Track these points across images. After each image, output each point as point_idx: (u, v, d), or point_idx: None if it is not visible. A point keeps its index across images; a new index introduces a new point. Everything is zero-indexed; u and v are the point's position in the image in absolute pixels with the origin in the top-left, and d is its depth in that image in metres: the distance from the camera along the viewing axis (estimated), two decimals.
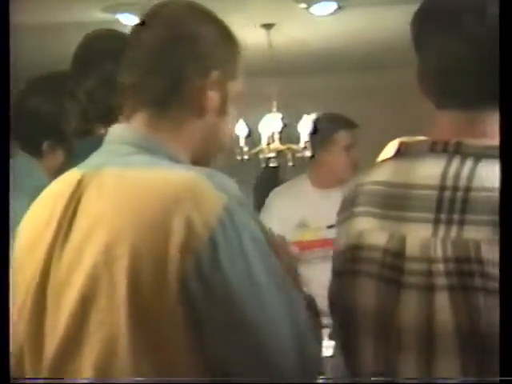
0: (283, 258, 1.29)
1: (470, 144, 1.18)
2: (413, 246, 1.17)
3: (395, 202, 1.21)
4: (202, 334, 1.16)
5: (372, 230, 1.23)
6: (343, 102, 4.28)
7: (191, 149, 1.32)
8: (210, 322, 1.16)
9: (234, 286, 1.15)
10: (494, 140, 1.19)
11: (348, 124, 3.46)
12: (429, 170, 1.19)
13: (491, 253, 1.10)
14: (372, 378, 1.17)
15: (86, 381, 1.20)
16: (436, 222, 1.16)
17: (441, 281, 1.14)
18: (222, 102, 1.33)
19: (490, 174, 1.15)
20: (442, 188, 1.17)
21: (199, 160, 1.34)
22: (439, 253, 1.14)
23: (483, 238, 1.11)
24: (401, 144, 1.27)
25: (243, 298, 1.16)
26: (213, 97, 1.31)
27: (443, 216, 1.15)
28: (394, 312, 1.18)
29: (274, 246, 1.29)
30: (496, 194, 1.12)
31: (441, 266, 1.14)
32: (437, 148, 1.20)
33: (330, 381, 1.45)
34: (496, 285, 1.09)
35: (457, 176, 1.16)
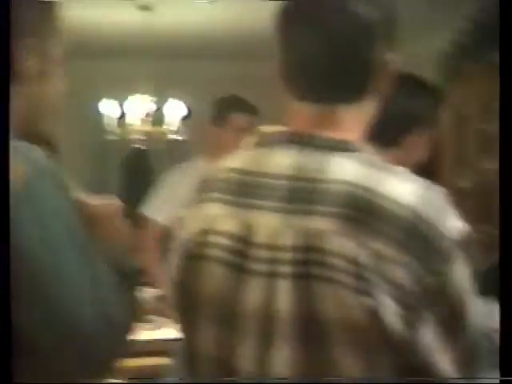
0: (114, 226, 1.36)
1: (323, 137, 1.21)
2: (260, 234, 1.19)
3: (247, 190, 1.23)
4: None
5: (222, 216, 1.24)
6: (217, 89, 4.31)
7: (22, 119, 1.32)
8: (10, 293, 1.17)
9: (28, 252, 1.17)
10: (348, 134, 1.23)
11: (246, 108, 3.53)
12: (281, 160, 1.22)
13: (335, 244, 1.13)
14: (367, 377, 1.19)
15: (86, 381, 1.21)
16: (285, 211, 1.18)
17: (285, 269, 1.16)
18: (42, 66, 1.33)
19: (340, 167, 1.18)
20: (293, 178, 1.19)
21: (33, 129, 1.34)
22: (285, 241, 1.17)
23: (328, 229, 1.14)
24: (258, 133, 1.30)
25: (38, 263, 1.18)
26: (30, 63, 1.32)
27: (292, 206, 1.18)
28: (237, 298, 1.20)
29: (101, 214, 1.35)
30: (344, 187, 1.16)
31: (286, 255, 1.16)
32: (292, 139, 1.23)
33: (324, 381, 1.44)
34: (337, 275, 1.13)
35: (308, 167, 1.19)
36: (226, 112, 3.52)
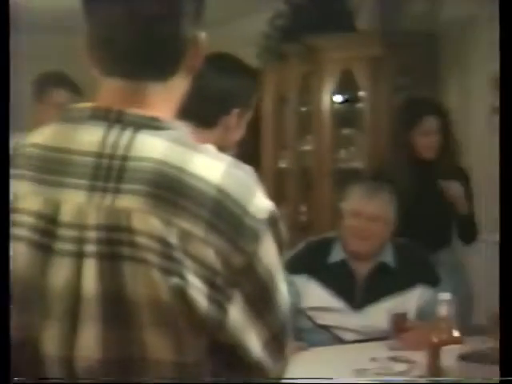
0: None
1: (131, 113, 1.19)
2: (66, 213, 1.16)
3: (53, 167, 1.19)
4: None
5: (26, 194, 1.19)
6: (36, 63, 4.20)
7: None
8: None
9: None
10: (158, 112, 1.21)
11: (68, 84, 3.53)
12: (88, 137, 1.18)
13: (142, 223, 1.12)
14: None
15: (86, 381, 1.14)
16: (92, 189, 1.16)
17: (91, 248, 1.14)
18: None
19: (148, 144, 1.17)
20: (100, 155, 1.17)
21: None
22: (91, 220, 1.14)
23: (135, 207, 1.13)
24: (67, 108, 1.27)
25: None
26: None
27: (99, 184, 1.15)
28: (44, 279, 1.16)
29: None
30: (152, 165, 1.14)
31: (92, 234, 1.14)
32: (99, 115, 1.20)
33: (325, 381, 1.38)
34: (144, 255, 1.12)
35: (115, 144, 1.17)
36: (47, 87, 3.51)
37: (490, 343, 2.59)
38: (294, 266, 2.98)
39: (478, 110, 4.50)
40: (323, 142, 4.93)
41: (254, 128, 5.38)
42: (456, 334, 2.52)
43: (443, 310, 2.56)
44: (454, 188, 3.62)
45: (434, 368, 2.45)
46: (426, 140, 3.70)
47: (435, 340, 2.47)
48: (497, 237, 4.33)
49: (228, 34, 5.36)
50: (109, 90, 1.23)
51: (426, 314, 2.94)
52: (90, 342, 1.14)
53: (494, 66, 4.33)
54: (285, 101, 5.36)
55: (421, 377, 2.48)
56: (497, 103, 4.32)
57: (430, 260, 3.21)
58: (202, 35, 1.25)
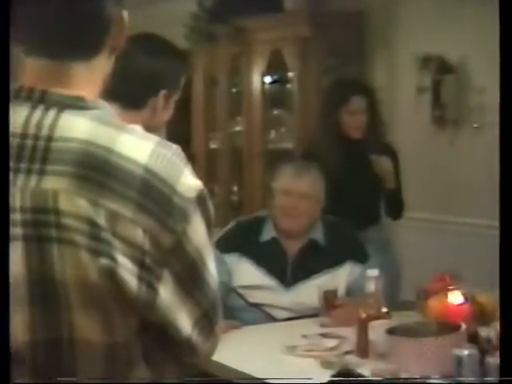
0: None
1: (54, 93, 1.18)
2: None
3: None
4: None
5: None
6: None
7: None
8: None
9: None
10: (82, 91, 1.20)
11: None
12: (12, 117, 1.16)
13: (68, 204, 1.12)
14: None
15: (87, 381, 1.13)
16: (16, 171, 1.14)
17: (17, 231, 1.13)
18: None
19: (73, 124, 1.16)
20: (24, 136, 1.15)
21: None
22: (16, 202, 1.13)
23: (61, 188, 1.12)
24: None
25: None
26: None
27: (23, 165, 1.14)
28: None
29: None
30: (75, 145, 1.14)
31: (17, 216, 1.13)
32: (22, 95, 1.18)
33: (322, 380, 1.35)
34: (71, 236, 1.11)
35: (39, 125, 1.15)
36: None
37: (417, 318, 2.65)
38: (225, 245, 3.00)
39: (404, 88, 4.56)
40: (253, 123, 4.95)
41: (185, 109, 5.37)
42: (384, 309, 2.58)
43: (371, 286, 2.61)
44: (383, 162, 3.68)
45: (363, 343, 2.50)
46: (353, 119, 3.74)
47: (363, 315, 2.52)
48: (423, 214, 4.43)
49: (155, 13, 5.32)
50: (32, 69, 1.21)
51: (355, 290, 2.99)
52: (17, 325, 1.13)
53: (419, 45, 4.40)
54: (215, 82, 5.35)
55: (349, 352, 2.52)
56: (422, 82, 4.39)
57: (359, 237, 3.26)
58: (126, 14, 1.24)
